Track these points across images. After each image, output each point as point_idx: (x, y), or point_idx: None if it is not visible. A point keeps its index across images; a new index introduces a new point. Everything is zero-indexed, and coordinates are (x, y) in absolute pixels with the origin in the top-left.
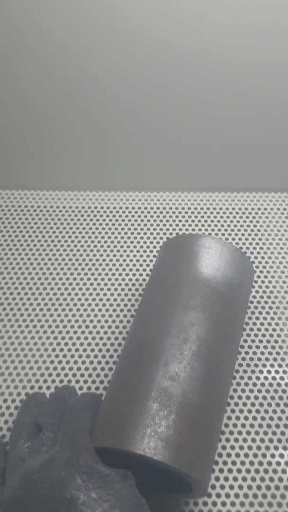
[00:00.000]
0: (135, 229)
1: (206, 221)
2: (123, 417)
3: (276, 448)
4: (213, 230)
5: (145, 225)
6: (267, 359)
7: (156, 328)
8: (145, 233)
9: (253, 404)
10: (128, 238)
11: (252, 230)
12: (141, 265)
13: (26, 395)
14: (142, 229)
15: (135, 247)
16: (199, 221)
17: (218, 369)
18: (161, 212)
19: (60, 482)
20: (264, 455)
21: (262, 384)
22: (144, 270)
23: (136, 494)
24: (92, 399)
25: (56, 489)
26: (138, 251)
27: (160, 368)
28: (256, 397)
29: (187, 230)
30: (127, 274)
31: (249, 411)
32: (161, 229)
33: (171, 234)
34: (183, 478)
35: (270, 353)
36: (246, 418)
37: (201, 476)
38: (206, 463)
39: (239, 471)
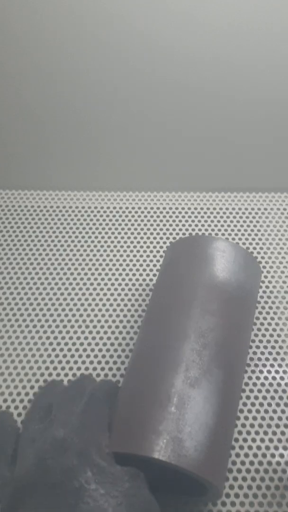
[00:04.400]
0: (135, 229)
1: (206, 221)
2: (144, 422)
3: (276, 448)
4: (213, 230)
5: (145, 225)
6: (267, 359)
7: (174, 332)
8: (145, 233)
9: (253, 404)
10: (128, 238)
11: (252, 230)
12: (141, 265)
13: (26, 395)
14: (142, 229)
15: (135, 247)
16: (199, 221)
17: (233, 374)
18: (161, 212)
19: (71, 470)
20: (264, 455)
21: (262, 384)
22: (144, 270)
23: (145, 496)
24: (112, 389)
25: (67, 476)
26: (138, 251)
27: (181, 373)
28: (256, 397)
29: (187, 230)
30: (127, 274)
31: (249, 411)
32: (161, 229)
33: (171, 234)
34: (198, 482)
35: (270, 353)
36: (246, 418)
37: (221, 482)
38: (224, 469)
39: (239, 471)
